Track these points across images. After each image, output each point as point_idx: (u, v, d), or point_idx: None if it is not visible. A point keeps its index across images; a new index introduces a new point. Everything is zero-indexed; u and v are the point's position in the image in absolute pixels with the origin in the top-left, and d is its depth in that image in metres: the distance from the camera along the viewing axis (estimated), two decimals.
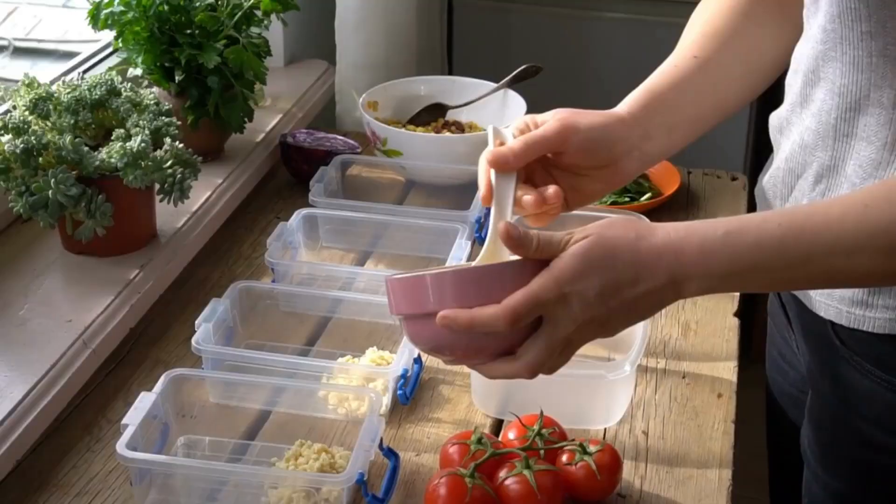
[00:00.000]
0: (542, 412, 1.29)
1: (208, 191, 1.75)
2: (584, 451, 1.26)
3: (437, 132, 1.96)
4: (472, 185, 1.81)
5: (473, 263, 1.11)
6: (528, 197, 1.13)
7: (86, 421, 1.39)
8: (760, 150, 3.01)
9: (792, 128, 1.24)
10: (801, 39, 1.24)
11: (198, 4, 1.74)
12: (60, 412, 1.37)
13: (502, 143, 1.15)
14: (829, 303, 1.20)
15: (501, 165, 1.12)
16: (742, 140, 2.87)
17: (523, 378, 1.06)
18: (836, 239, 1.02)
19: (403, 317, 1.09)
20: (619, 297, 1.02)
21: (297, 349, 1.51)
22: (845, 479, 1.27)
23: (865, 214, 1.03)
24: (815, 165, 1.20)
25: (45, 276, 1.54)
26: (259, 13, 1.80)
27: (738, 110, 1.35)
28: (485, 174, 1.14)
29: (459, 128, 1.98)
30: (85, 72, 1.91)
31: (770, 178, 1.30)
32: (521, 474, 1.22)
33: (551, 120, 1.16)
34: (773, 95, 3.04)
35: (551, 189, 1.14)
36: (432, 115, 2.00)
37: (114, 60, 1.97)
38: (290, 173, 1.91)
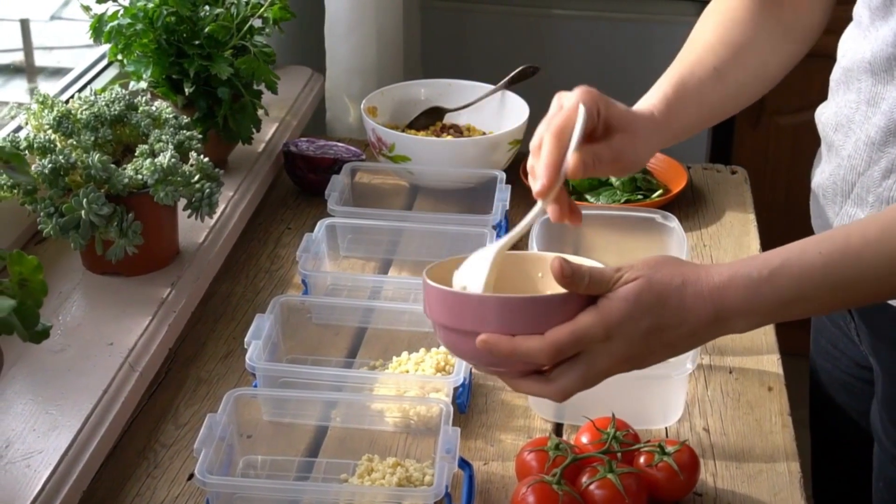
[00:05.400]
0: (613, 415, 1.29)
1: (222, 204, 1.71)
2: (663, 452, 1.26)
3: (437, 135, 1.95)
4: (479, 188, 1.81)
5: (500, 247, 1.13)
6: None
7: (138, 446, 1.36)
8: (720, 138, 3.07)
9: (854, 126, 1.26)
10: (860, 38, 1.26)
11: (202, 15, 1.70)
12: None
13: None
14: None
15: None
16: (705, 131, 2.91)
17: (553, 400, 1.09)
18: (878, 260, 1.04)
19: (438, 324, 1.10)
20: (662, 338, 1.05)
21: (339, 361, 1.49)
22: None
23: None
24: (883, 162, 1.22)
25: (73, 299, 1.50)
26: (259, 22, 1.77)
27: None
28: (551, 156, 1.12)
29: (458, 131, 1.98)
30: (82, 88, 1.86)
31: (830, 175, 1.31)
32: (606, 478, 1.21)
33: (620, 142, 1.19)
34: None
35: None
36: (431, 119, 1.98)
37: (103, 74, 1.93)
38: (295, 183, 1.89)
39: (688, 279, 1.04)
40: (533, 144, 1.16)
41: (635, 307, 1.03)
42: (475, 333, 1.06)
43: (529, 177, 1.16)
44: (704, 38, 1.33)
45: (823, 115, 1.34)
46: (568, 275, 1.03)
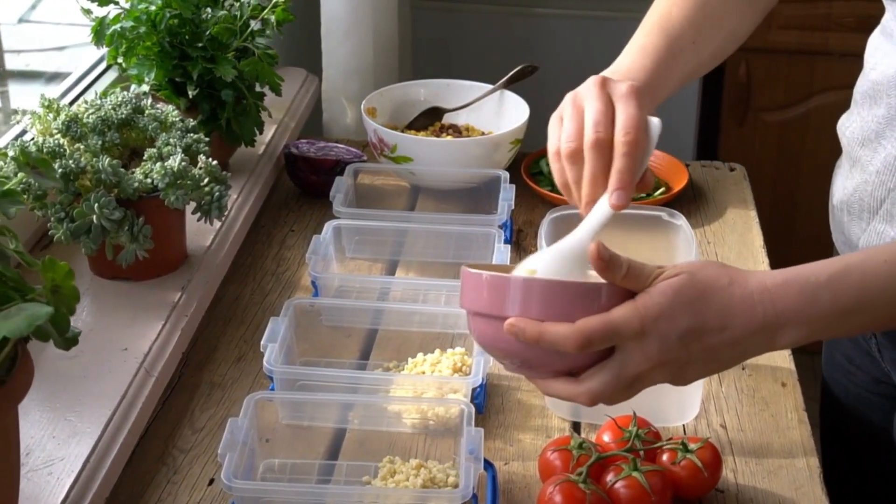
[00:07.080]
0: (634, 413, 1.29)
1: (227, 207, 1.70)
2: (686, 449, 1.26)
3: (437, 136, 1.95)
4: (482, 188, 1.81)
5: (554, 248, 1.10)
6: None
7: (156, 452, 1.35)
8: (706, 135, 3.09)
9: (883, 141, 1.24)
10: (891, 52, 1.23)
11: (204, 17, 1.69)
12: None
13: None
14: None
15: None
16: (692, 125, 2.93)
17: (582, 404, 1.04)
18: None
19: (471, 312, 1.09)
20: (702, 342, 0.99)
21: (353, 363, 1.49)
22: None
23: None
24: None
25: (83, 304, 1.49)
26: (258, 24, 1.77)
27: None
28: (630, 170, 1.08)
29: (457, 131, 1.97)
30: (82, 92, 1.84)
31: (855, 191, 1.28)
32: (631, 476, 1.22)
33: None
34: (719, 83, 3.10)
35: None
36: (429, 119, 1.98)
37: (101, 78, 1.92)
38: (297, 184, 1.88)
39: (735, 280, 0.99)
40: (568, 149, 1.12)
41: (674, 302, 0.98)
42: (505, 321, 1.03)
43: (585, 184, 1.11)
44: (679, 10, 1.32)
45: (848, 129, 1.31)
46: (605, 259, 0.98)
